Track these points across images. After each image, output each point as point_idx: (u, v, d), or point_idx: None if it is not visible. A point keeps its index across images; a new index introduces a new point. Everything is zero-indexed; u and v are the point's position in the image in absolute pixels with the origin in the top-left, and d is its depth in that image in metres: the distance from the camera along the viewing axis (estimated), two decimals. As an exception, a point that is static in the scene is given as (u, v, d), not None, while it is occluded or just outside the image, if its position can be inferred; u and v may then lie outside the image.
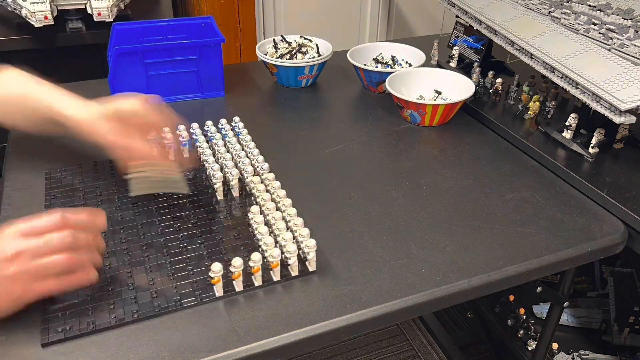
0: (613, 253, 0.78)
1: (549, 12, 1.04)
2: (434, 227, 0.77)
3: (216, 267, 0.63)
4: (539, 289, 1.00)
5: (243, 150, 0.87)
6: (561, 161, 0.91)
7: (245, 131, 0.93)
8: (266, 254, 0.67)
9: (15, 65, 0.84)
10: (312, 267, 0.69)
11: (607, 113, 0.82)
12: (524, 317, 1.18)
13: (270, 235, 0.70)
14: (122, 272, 0.67)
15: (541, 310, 1.20)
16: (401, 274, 0.69)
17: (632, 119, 0.80)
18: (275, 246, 0.68)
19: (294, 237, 0.70)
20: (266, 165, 0.83)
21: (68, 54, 1.61)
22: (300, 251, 0.70)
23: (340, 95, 1.16)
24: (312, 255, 0.68)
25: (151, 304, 0.63)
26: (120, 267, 0.68)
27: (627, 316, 1.13)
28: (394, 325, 1.65)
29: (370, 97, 1.15)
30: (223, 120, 0.95)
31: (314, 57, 1.15)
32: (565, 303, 0.94)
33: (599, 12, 1.00)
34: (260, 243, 0.70)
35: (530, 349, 1.14)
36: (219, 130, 0.93)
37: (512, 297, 1.22)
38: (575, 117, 0.94)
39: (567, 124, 0.95)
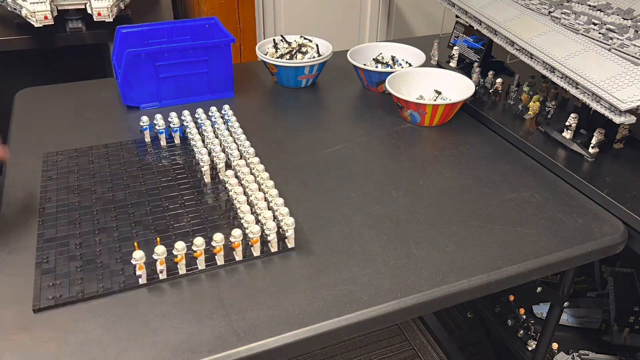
0: (613, 253, 0.78)
1: (549, 12, 1.04)
2: (434, 227, 0.77)
3: (199, 242, 0.67)
4: (539, 289, 1.00)
5: (230, 135, 0.91)
6: (561, 161, 0.91)
7: (234, 118, 0.97)
8: (247, 231, 0.71)
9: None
10: (291, 244, 0.72)
11: (607, 113, 0.82)
12: (524, 317, 1.18)
13: (252, 213, 0.74)
14: (111, 246, 0.72)
15: (541, 310, 1.20)
16: (401, 274, 0.69)
17: (632, 119, 0.80)
18: (256, 224, 0.71)
19: (274, 216, 0.73)
20: (252, 149, 0.87)
21: (68, 54, 1.61)
22: (280, 229, 0.73)
23: (340, 95, 1.15)
24: (290, 233, 0.71)
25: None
26: (109, 242, 0.72)
27: (627, 316, 1.13)
28: (394, 325, 1.65)
29: (370, 97, 1.15)
30: (213, 108, 0.99)
31: (314, 57, 1.15)
32: (565, 303, 0.94)
33: (599, 12, 1.00)
34: (242, 220, 0.73)
35: (530, 349, 1.14)
36: (208, 118, 0.97)
37: (512, 297, 1.22)
38: (575, 117, 0.94)
39: (567, 124, 0.95)
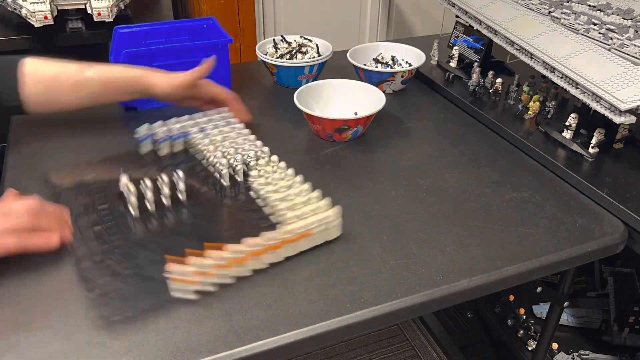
0: (613, 253, 0.78)
1: (549, 12, 1.04)
2: (434, 227, 0.77)
3: (272, 236, 0.67)
4: (539, 289, 1.00)
5: (239, 137, 0.90)
6: (561, 161, 0.91)
7: (234, 119, 0.96)
8: (293, 227, 0.70)
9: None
10: (338, 232, 0.73)
11: (607, 113, 0.82)
12: (524, 317, 1.18)
13: (291, 211, 0.73)
14: (154, 258, 0.68)
15: (541, 310, 1.20)
16: (401, 274, 0.69)
17: (632, 119, 0.81)
18: (301, 219, 0.71)
19: (314, 209, 0.73)
20: (266, 148, 0.86)
21: (68, 54, 1.61)
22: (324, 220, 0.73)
23: (340, 95, 1.15)
24: (336, 222, 0.72)
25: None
26: (151, 255, 0.69)
27: (627, 316, 1.13)
28: (394, 325, 1.65)
29: (370, 97, 1.15)
30: (210, 111, 0.97)
31: (314, 57, 1.15)
32: (565, 303, 0.94)
33: (599, 12, 1.00)
34: (285, 217, 0.72)
35: (530, 349, 1.14)
36: (210, 121, 0.95)
37: (512, 297, 1.22)
38: (575, 117, 0.94)
39: (567, 124, 0.95)
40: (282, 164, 0.83)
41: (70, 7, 1.45)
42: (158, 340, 0.59)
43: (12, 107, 0.85)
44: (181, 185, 0.79)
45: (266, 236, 0.67)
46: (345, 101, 1.04)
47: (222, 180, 0.83)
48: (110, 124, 1.01)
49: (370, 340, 1.61)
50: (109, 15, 1.43)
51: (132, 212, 0.77)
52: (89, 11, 1.44)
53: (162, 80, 0.90)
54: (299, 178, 0.79)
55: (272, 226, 0.73)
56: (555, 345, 1.13)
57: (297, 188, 0.78)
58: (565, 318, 1.19)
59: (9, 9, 1.42)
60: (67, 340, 0.59)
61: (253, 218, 0.76)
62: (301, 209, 0.73)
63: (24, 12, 1.38)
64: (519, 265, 0.72)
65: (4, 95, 0.84)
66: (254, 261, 0.68)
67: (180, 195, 0.79)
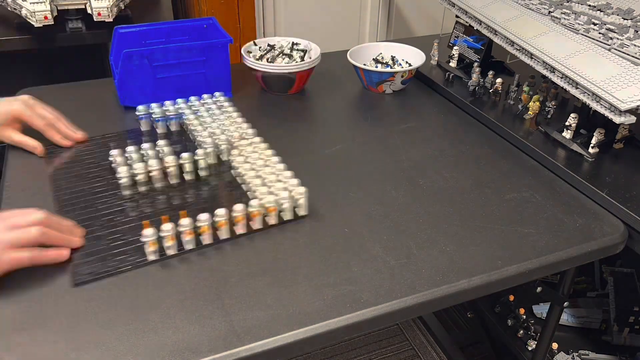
0: (613, 253, 0.78)
1: (549, 12, 1.04)
2: (434, 227, 0.77)
3: (220, 212, 0.72)
4: (539, 289, 1.00)
5: (227, 119, 0.96)
6: (561, 161, 0.91)
7: (227, 104, 1.00)
8: (262, 202, 0.75)
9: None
10: (303, 211, 0.78)
11: (607, 113, 0.82)
12: (524, 317, 1.18)
13: (263, 186, 0.79)
14: (133, 225, 0.75)
15: (541, 310, 1.20)
16: (401, 274, 0.69)
17: (632, 119, 0.81)
18: (270, 194, 0.76)
19: (285, 187, 0.78)
20: (251, 130, 0.91)
21: (68, 54, 1.61)
22: (292, 198, 0.78)
23: (340, 96, 1.16)
24: (302, 200, 0.77)
25: (164, 248, 0.70)
26: (132, 221, 0.76)
27: (627, 316, 1.13)
28: (394, 325, 1.65)
29: (370, 97, 1.15)
30: (205, 96, 1.02)
31: (296, 62, 1.13)
32: (565, 303, 0.94)
33: (599, 12, 1.00)
34: (256, 193, 0.78)
35: (530, 349, 1.14)
36: (202, 105, 1.01)
37: (512, 297, 1.22)
38: (575, 117, 0.94)
39: (567, 124, 0.95)
40: (263, 145, 0.88)
41: (70, 7, 1.45)
42: (158, 340, 0.59)
43: None
44: (169, 161, 0.83)
45: (236, 207, 0.73)
46: None
47: (207, 159, 0.88)
48: (109, 122, 1.01)
49: (370, 340, 1.61)
50: (109, 15, 1.43)
51: (121, 182, 0.83)
52: (89, 11, 1.44)
53: None
54: (275, 158, 0.84)
55: (246, 200, 0.78)
56: (555, 345, 1.13)
57: (272, 167, 0.82)
58: (565, 318, 1.19)
59: (9, 9, 1.42)
60: (68, 340, 0.59)
61: (230, 192, 0.82)
62: (273, 186, 0.78)
63: (24, 12, 1.38)
64: (519, 265, 0.72)
65: None
66: (225, 230, 0.73)
67: (167, 172, 0.84)
